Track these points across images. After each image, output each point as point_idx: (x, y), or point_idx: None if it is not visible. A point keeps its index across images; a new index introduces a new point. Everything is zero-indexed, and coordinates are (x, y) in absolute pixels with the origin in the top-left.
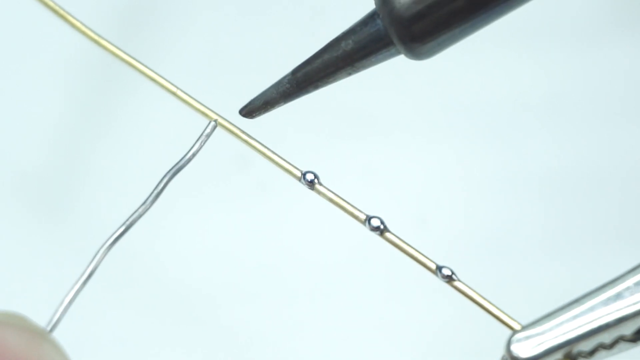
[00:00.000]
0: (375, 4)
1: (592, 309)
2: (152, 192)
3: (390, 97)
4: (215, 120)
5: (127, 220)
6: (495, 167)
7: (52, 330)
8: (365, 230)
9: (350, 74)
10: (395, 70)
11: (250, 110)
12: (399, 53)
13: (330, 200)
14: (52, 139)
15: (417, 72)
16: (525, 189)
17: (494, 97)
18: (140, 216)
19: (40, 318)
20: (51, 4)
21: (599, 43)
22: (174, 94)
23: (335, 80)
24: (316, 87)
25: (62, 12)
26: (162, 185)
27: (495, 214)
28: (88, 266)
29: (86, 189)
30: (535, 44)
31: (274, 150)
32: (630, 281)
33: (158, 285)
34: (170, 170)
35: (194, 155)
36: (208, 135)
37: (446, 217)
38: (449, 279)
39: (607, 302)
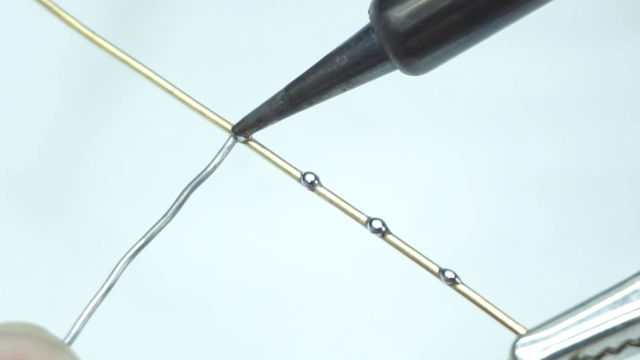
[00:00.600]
0: (370, 18)
1: (598, 312)
2: (173, 204)
3: (392, 95)
4: (236, 133)
5: (148, 232)
6: (501, 167)
7: (70, 342)
8: (366, 232)
9: (345, 90)
10: None
11: (244, 127)
12: (394, 68)
13: (331, 201)
14: (45, 139)
15: None
16: (531, 189)
17: (499, 94)
18: (160, 229)
19: (35, 320)
20: (44, 0)
21: (605, 41)
22: (170, 92)
23: (329, 96)
24: (310, 103)
25: (55, 8)
26: (183, 197)
27: (500, 215)
28: (107, 279)
29: (79, 189)
30: (541, 41)
31: (273, 151)
32: (637, 284)
33: (153, 288)
34: (191, 182)
35: (215, 167)
36: (230, 148)
37: (449, 219)
38: (452, 282)
39: (614, 305)
